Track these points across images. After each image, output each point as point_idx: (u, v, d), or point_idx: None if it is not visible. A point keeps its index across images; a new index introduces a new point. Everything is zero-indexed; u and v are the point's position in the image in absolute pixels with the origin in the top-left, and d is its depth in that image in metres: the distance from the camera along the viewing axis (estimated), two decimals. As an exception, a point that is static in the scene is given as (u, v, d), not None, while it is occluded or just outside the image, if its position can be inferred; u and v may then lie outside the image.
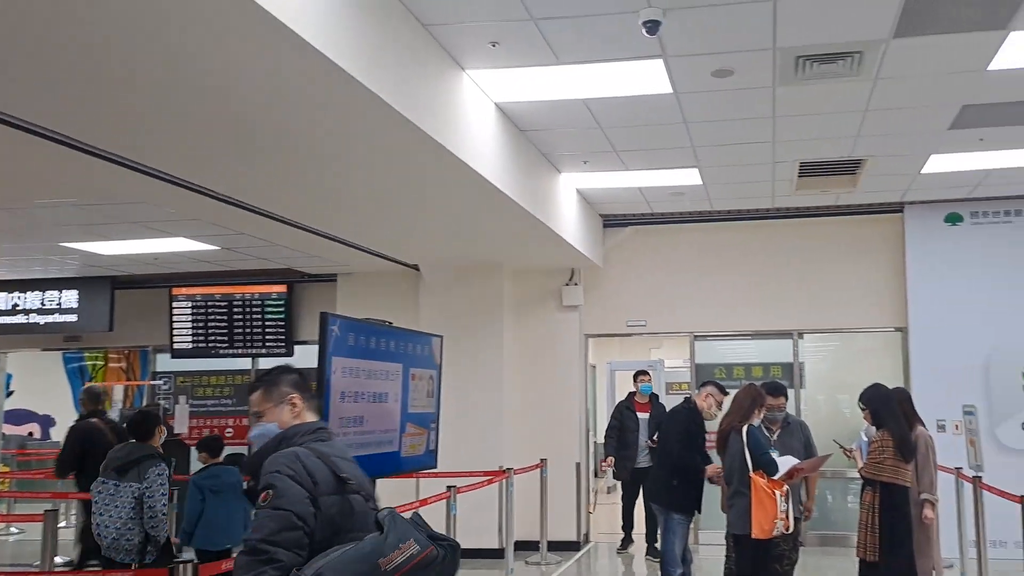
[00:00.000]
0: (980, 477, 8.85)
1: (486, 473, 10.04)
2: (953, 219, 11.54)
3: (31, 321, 13.92)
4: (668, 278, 12.34)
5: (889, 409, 7.43)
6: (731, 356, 12.43)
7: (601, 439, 18.24)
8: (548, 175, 9.68)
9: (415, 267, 12.06)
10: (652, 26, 5.96)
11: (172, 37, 4.64)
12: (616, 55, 6.76)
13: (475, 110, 7.30)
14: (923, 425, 7.81)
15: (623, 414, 11.40)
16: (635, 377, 11.64)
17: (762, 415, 7.59)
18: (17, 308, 13.98)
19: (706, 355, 12.41)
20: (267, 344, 13.56)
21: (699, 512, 8.19)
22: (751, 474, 6.99)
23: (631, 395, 11.58)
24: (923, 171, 10.08)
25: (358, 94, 5.43)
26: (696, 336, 12.37)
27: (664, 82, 7.30)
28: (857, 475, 7.83)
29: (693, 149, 9.17)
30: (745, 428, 7.17)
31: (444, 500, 8.29)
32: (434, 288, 12.04)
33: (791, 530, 7.15)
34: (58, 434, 14.22)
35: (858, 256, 11.89)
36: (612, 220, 12.45)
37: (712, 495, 8.05)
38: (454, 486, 8.50)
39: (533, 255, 11.39)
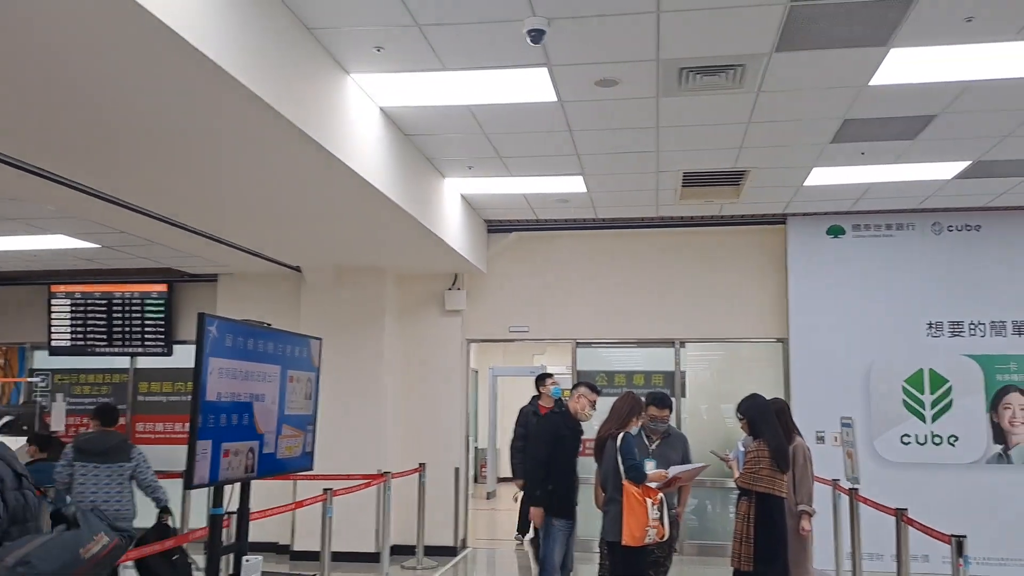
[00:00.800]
0: (857, 489, 8.80)
1: (364, 476, 9.96)
2: (835, 232, 11.54)
3: (-98, 317, 13.59)
4: (552, 284, 12.20)
5: (766, 419, 7.30)
6: (614, 363, 12.27)
7: (482, 444, 18.23)
8: (433, 180, 9.49)
9: (297, 269, 11.87)
10: (536, 35, 5.93)
11: (49, 34, 4.47)
12: (501, 62, 6.64)
13: (359, 114, 7.16)
14: (801, 436, 7.77)
15: (528, 420, 10.73)
16: (539, 381, 11.04)
17: (640, 424, 7.49)
18: None
19: (588, 362, 12.24)
20: (146, 343, 13.30)
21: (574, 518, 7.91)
22: (624, 481, 6.92)
23: (535, 399, 10.99)
24: (806, 183, 10.05)
25: (239, 94, 5.26)
26: (578, 343, 12.21)
27: (549, 90, 7.19)
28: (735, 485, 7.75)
29: (578, 157, 9.04)
30: (620, 435, 7.10)
31: (320, 503, 8.23)
32: (316, 290, 11.87)
33: (664, 538, 7.07)
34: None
35: (741, 266, 11.87)
36: (496, 226, 12.23)
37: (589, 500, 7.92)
38: (330, 489, 8.42)
39: (416, 259, 11.18)
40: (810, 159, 9.18)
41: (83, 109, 5.67)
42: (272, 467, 5.98)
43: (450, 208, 10.25)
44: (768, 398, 7.66)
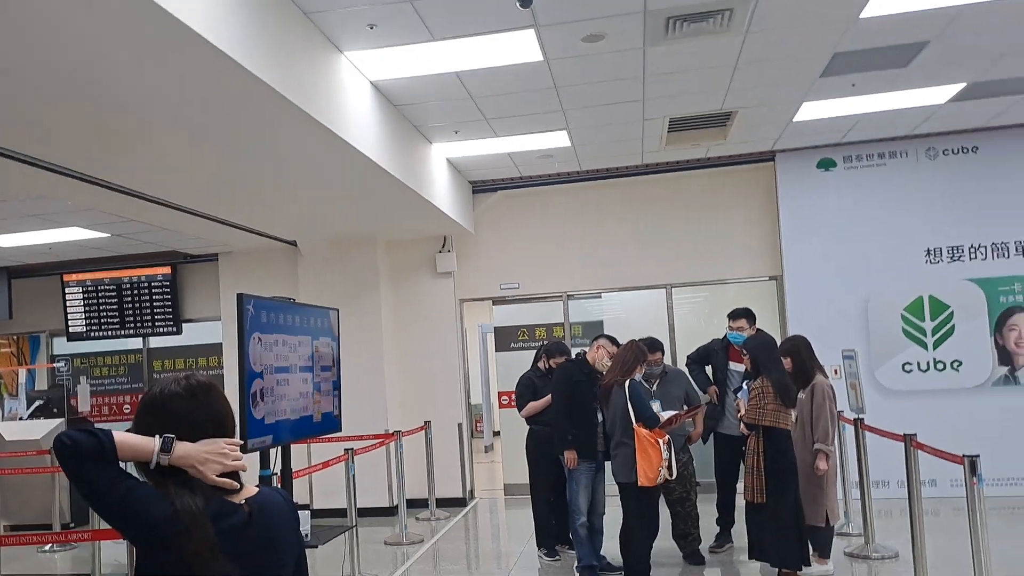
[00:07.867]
0: (862, 419, 8.03)
1: (376, 436, 9.70)
2: (826, 164, 10.41)
3: (-65, 311, 13.23)
4: (539, 240, 11.33)
5: (770, 357, 6.77)
6: (602, 314, 11.37)
7: (475, 400, 17.12)
8: (420, 147, 8.82)
9: (293, 243, 11.31)
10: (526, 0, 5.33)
11: (56, 34, 4.27)
12: (489, 28, 6.02)
13: (353, 90, 6.72)
14: (824, 375, 7.11)
15: (535, 384, 8.54)
16: (550, 353, 8.55)
17: (643, 371, 7.12)
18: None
19: (580, 314, 11.46)
20: (156, 324, 12.76)
21: (607, 460, 7.31)
22: (634, 425, 6.61)
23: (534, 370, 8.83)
24: (795, 119, 9.07)
25: (245, 81, 5.01)
26: (569, 295, 11.38)
27: (535, 51, 6.50)
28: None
29: (563, 112, 8.22)
30: (627, 382, 6.75)
31: (343, 462, 8.02)
32: (312, 262, 11.28)
33: (674, 476, 6.77)
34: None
35: (730, 207, 10.87)
36: (481, 186, 11.34)
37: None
38: (351, 448, 8.14)
39: (406, 225, 10.52)
40: (799, 95, 8.26)
41: (90, 103, 5.37)
42: (309, 430, 6.03)
43: (437, 172, 9.55)
44: (789, 336, 7.36)
